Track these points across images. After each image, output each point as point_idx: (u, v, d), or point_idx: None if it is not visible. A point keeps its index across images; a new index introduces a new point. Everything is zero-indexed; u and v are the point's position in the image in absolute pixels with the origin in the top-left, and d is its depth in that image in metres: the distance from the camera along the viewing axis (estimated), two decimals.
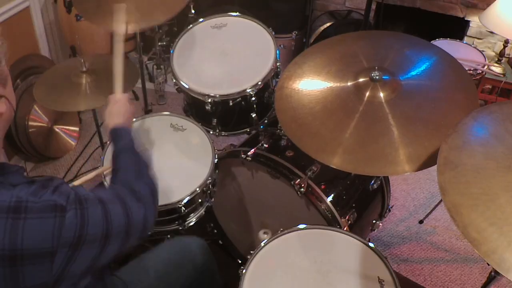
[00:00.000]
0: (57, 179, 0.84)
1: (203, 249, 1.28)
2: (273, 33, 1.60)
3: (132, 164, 1.06)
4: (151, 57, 3.14)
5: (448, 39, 2.22)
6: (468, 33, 2.85)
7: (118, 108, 1.20)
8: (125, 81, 1.27)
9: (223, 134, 1.62)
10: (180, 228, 1.39)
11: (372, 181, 1.56)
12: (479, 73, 2.07)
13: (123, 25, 1.39)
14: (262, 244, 1.17)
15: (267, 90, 1.56)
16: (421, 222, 2.15)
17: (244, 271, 1.10)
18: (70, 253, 0.75)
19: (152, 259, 1.19)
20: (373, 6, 3.01)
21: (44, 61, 2.50)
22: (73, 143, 2.59)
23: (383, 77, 1.23)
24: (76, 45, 1.57)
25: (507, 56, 2.63)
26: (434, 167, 0.95)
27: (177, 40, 1.64)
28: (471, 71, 2.04)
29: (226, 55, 1.57)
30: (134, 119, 1.53)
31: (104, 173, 1.32)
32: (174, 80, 1.54)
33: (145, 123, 1.53)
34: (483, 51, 2.18)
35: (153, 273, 1.15)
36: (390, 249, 2.02)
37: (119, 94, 1.24)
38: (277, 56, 1.54)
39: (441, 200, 2.13)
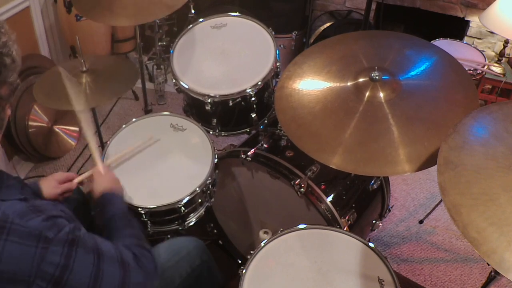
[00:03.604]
0: (58, 209, 0.81)
1: (200, 250, 1.28)
2: (273, 33, 1.60)
3: (131, 229, 1.03)
4: (151, 57, 3.14)
5: (448, 39, 2.22)
6: (468, 33, 2.85)
7: (105, 178, 1.18)
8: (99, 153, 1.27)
9: (223, 134, 1.62)
10: (180, 228, 1.39)
11: (372, 181, 1.56)
12: (479, 73, 2.07)
13: (76, 95, 1.34)
14: (262, 244, 1.16)
15: (267, 90, 1.56)
16: (421, 222, 2.15)
17: (244, 271, 1.10)
18: None
19: None
20: (373, 6, 3.01)
21: (44, 61, 2.50)
22: (73, 143, 2.59)
23: (383, 77, 1.23)
24: (76, 45, 1.57)
25: (507, 56, 2.63)
26: (434, 167, 0.95)
27: (177, 40, 1.64)
28: (471, 71, 2.04)
29: (226, 55, 1.57)
30: (134, 119, 1.53)
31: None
32: (174, 80, 1.54)
33: (146, 123, 1.53)
34: (483, 51, 2.18)
35: None
36: (390, 249, 2.02)
37: (101, 167, 1.23)
38: (277, 56, 1.54)
39: (441, 200, 2.13)
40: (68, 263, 0.75)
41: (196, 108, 1.62)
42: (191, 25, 1.67)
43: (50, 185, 1.15)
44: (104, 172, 1.22)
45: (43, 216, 0.75)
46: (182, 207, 1.31)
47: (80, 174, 1.24)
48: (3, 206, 0.73)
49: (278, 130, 1.58)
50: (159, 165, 1.39)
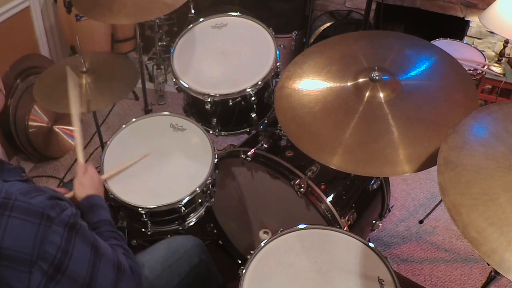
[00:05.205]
0: (60, 194, 0.82)
1: (199, 248, 1.28)
2: (273, 33, 1.60)
3: (117, 240, 1.03)
4: (151, 57, 3.14)
5: (448, 39, 2.22)
6: (468, 33, 2.85)
7: (88, 179, 1.17)
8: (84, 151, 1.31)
9: (223, 134, 1.62)
10: (180, 228, 1.39)
11: (372, 181, 1.56)
12: (479, 73, 2.07)
13: (76, 93, 1.39)
14: (262, 244, 1.16)
15: (267, 90, 1.56)
16: (421, 222, 2.15)
17: (244, 271, 1.10)
18: (49, 275, 0.73)
19: (147, 258, 1.19)
20: (373, 6, 3.01)
21: (44, 61, 2.50)
22: (73, 143, 2.59)
23: (383, 77, 1.23)
24: (76, 45, 1.58)
25: (507, 56, 2.63)
26: (434, 167, 0.95)
27: (177, 39, 1.64)
28: (471, 71, 2.04)
29: (226, 55, 1.57)
30: (134, 119, 1.53)
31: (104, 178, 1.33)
32: (174, 80, 1.54)
33: (145, 123, 1.53)
34: (483, 51, 2.18)
35: (149, 272, 1.15)
36: (390, 249, 2.02)
37: (84, 163, 1.23)
38: (277, 56, 1.54)
39: (441, 200, 2.13)
40: (68, 248, 0.75)
41: (196, 108, 1.62)
42: (191, 25, 1.67)
43: None
44: (88, 170, 1.20)
45: (46, 195, 0.76)
46: (182, 207, 1.31)
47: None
48: (6, 185, 0.74)
49: (278, 130, 1.58)
50: (159, 165, 1.40)
